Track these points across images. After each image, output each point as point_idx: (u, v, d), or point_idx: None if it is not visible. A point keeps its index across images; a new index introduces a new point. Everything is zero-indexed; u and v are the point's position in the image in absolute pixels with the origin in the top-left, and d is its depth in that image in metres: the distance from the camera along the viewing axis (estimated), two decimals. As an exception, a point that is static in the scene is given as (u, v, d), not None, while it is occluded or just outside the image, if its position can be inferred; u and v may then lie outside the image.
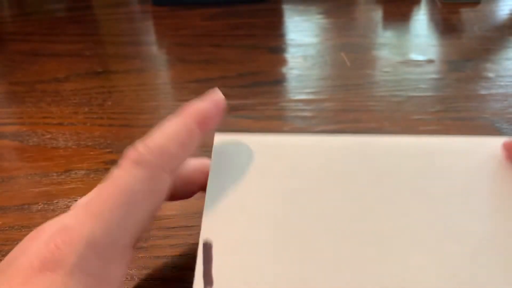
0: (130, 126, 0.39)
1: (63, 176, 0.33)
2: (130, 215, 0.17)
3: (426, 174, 0.25)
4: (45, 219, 0.30)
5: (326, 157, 0.26)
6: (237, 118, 0.39)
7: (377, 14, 0.58)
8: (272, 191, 0.25)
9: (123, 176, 0.18)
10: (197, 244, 0.27)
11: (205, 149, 0.35)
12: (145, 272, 0.26)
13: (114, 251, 0.17)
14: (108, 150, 0.36)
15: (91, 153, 0.36)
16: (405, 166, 0.25)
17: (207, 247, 0.22)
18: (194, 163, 0.23)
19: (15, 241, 0.28)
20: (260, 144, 0.27)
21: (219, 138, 0.28)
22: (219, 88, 0.43)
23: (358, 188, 0.24)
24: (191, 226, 0.29)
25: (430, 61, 0.46)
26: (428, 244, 0.21)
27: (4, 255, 0.27)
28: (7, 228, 0.29)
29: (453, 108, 0.39)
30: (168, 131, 0.21)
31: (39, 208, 0.31)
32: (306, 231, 0.23)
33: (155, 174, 0.18)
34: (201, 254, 0.22)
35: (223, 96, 0.23)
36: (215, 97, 0.22)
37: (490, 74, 0.44)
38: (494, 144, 0.26)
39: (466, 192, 0.24)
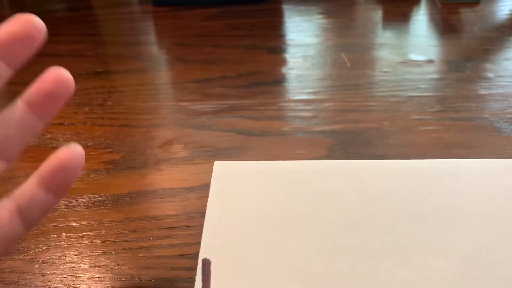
0: (130, 126, 0.39)
1: (63, 176, 0.34)
2: None
3: (413, 195, 0.26)
4: (46, 219, 0.30)
5: (320, 180, 0.27)
6: (237, 118, 0.39)
7: (377, 14, 0.58)
8: (268, 211, 0.26)
9: None
10: (197, 244, 0.27)
11: (205, 149, 0.35)
12: (145, 272, 0.26)
13: None
14: (108, 150, 0.36)
15: (92, 153, 0.36)
16: (395, 188, 0.26)
17: (206, 264, 0.22)
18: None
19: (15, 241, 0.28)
20: (256, 169, 0.28)
21: (218, 165, 0.29)
22: (219, 88, 0.43)
23: (350, 209, 0.25)
24: (191, 226, 0.29)
25: (430, 61, 0.46)
26: (416, 259, 0.22)
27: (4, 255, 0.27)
28: (7, 228, 0.29)
29: (453, 108, 0.39)
30: None
31: (40, 208, 0.31)
32: (300, 249, 0.23)
33: None
34: (200, 271, 0.22)
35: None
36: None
37: (490, 74, 0.44)
38: (477, 165, 0.27)
39: (451, 211, 0.24)
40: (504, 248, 0.22)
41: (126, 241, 0.29)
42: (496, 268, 0.22)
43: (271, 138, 0.36)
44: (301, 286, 0.22)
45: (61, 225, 0.30)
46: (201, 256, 0.24)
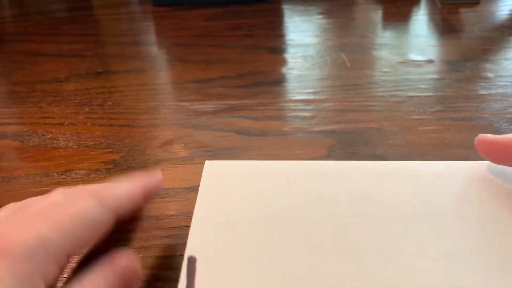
0: (130, 126, 0.39)
1: (63, 176, 0.34)
2: (81, 233, 0.22)
3: (402, 196, 0.26)
4: (46, 219, 0.30)
5: (309, 181, 0.27)
6: (237, 118, 0.39)
7: (377, 14, 0.58)
8: (257, 212, 0.26)
9: (87, 206, 0.22)
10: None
11: (205, 149, 0.36)
12: (145, 272, 0.26)
13: (59, 254, 0.20)
14: (108, 150, 0.36)
15: (92, 153, 0.36)
16: (383, 189, 0.26)
17: (191, 262, 0.22)
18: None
19: (16, 240, 0.28)
20: (248, 169, 0.28)
21: (209, 164, 0.29)
22: (219, 88, 0.44)
23: (339, 210, 0.25)
24: (191, 226, 0.29)
25: (429, 61, 0.46)
26: (403, 261, 0.22)
27: (5, 255, 0.27)
28: (8, 228, 0.29)
29: (453, 108, 0.39)
30: (127, 190, 0.25)
31: (40, 208, 0.31)
32: (288, 249, 0.23)
33: (108, 213, 0.23)
34: (185, 268, 0.22)
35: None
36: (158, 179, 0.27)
37: (490, 74, 0.44)
38: (466, 167, 0.27)
39: (439, 213, 0.25)
40: (492, 250, 0.22)
41: (126, 241, 0.29)
42: (484, 270, 0.22)
43: (271, 138, 0.36)
44: (288, 285, 0.22)
45: (61, 225, 0.30)
46: (187, 253, 0.24)
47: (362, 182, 0.27)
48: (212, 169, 0.29)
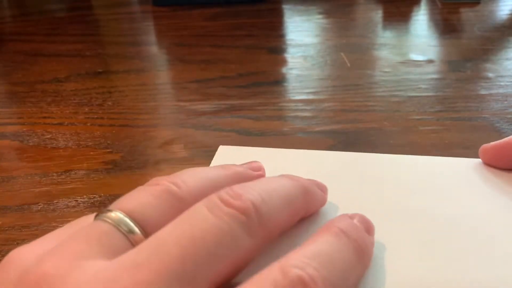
0: (130, 126, 0.39)
1: (63, 176, 0.33)
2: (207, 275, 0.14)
3: (407, 188, 0.26)
4: (45, 219, 0.30)
5: (321, 169, 0.27)
6: (237, 118, 0.39)
7: (377, 14, 0.58)
8: None
9: (225, 231, 0.15)
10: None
11: (205, 149, 0.35)
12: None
13: None
14: (108, 150, 0.36)
15: (91, 153, 0.36)
16: (394, 180, 0.26)
17: None
18: None
19: (15, 241, 0.28)
20: (258, 156, 0.28)
21: (223, 149, 0.30)
22: (219, 88, 0.43)
23: (349, 198, 0.25)
24: (191, 226, 0.29)
25: (430, 61, 0.46)
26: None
27: (4, 255, 0.27)
28: (7, 228, 0.29)
29: (453, 108, 0.39)
30: (288, 199, 0.17)
31: (39, 208, 0.31)
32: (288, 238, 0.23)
33: (256, 245, 0.15)
34: None
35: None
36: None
37: (490, 74, 0.44)
38: (464, 164, 0.28)
39: (440, 205, 0.25)
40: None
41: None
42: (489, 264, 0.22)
43: (271, 138, 0.36)
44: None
45: (60, 225, 0.30)
46: None
47: (374, 172, 0.27)
48: (225, 153, 0.29)
